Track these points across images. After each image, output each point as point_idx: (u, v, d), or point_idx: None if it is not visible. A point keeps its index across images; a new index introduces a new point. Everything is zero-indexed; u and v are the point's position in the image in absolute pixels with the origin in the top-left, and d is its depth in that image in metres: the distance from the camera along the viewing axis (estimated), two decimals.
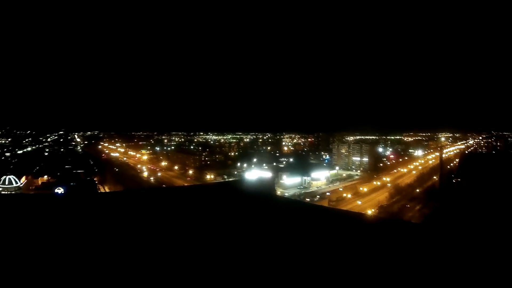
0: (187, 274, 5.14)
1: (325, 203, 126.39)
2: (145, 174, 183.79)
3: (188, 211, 8.56)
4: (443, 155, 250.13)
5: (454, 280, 4.67)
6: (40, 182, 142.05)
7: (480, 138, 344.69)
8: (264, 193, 10.17)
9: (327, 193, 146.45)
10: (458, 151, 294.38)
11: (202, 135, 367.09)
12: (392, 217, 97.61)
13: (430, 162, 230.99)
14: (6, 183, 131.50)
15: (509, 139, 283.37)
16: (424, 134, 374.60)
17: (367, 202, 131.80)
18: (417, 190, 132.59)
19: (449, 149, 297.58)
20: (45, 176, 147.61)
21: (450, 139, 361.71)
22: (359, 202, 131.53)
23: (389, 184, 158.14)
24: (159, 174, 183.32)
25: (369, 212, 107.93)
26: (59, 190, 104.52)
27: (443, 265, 5.28)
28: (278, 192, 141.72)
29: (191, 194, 10.62)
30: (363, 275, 5.03)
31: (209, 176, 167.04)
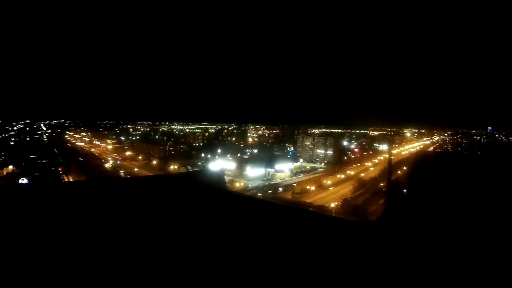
0: (135, 258, 6.48)
1: (288, 195, 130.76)
2: (110, 164, 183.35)
3: (145, 201, 9.88)
4: (405, 152, 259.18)
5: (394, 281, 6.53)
6: (5, 173, 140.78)
7: (446, 134, 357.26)
8: (214, 186, 12.33)
9: (290, 186, 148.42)
10: (422, 146, 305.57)
11: (168, 124, 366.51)
12: (353, 210, 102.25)
13: (393, 157, 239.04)
14: None
15: (475, 137, 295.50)
16: (389, 129, 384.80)
17: (331, 195, 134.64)
18: (381, 184, 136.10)
19: (413, 145, 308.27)
20: (10, 167, 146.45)
21: (416, 134, 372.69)
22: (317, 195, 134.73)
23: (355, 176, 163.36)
24: (123, 164, 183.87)
25: (333, 205, 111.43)
26: (23, 181, 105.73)
27: (381, 265, 6.60)
28: (242, 183, 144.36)
29: (150, 185, 12.41)
30: (295, 268, 6.79)
31: (173, 167, 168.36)
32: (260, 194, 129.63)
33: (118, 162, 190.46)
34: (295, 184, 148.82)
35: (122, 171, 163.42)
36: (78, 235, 7.20)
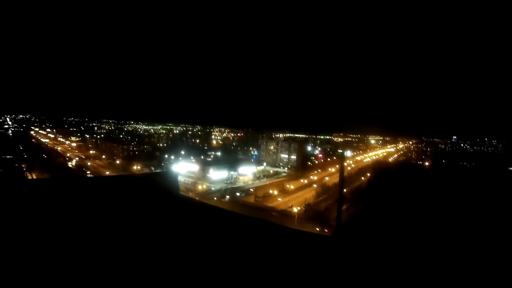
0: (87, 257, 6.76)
1: (251, 199, 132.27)
2: (73, 162, 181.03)
3: (96, 202, 9.72)
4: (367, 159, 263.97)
5: None
6: None
7: (410, 143, 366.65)
8: (166, 190, 12.51)
9: (253, 189, 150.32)
10: (385, 154, 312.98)
11: (133, 124, 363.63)
12: (316, 215, 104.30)
13: (358, 163, 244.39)
14: None
15: (440, 146, 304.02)
16: (354, 135, 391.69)
17: (294, 199, 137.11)
18: (344, 190, 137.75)
19: (377, 152, 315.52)
20: None
21: (380, 142, 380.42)
22: (279, 199, 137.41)
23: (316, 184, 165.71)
24: (86, 162, 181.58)
25: (295, 209, 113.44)
26: None
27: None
28: (204, 186, 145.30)
29: (107, 186, 12.43)
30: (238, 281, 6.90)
31: (136, 167, 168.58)
32: (227, 197, 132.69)
33: (82, 160, 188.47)
34: (252, 190, 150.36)
35: (84, 170, 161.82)
36: (31, 233, 7.62)
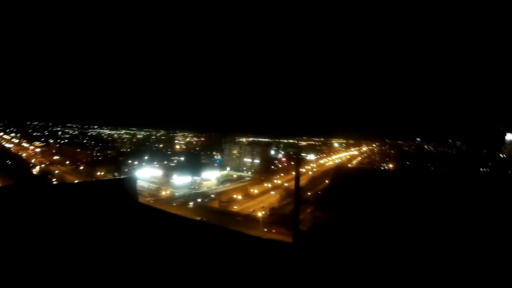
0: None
1: (215, 204, 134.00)
2: (37, 168, 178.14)
3: (52, 210, 9.61)
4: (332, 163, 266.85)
5: None
6: None
7: (374, 145, 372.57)
8: (124, 197, 11.70)
9: (218, 194, 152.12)
10: (349, 156, 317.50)
11: (96, 128, 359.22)
12: (281, 219, 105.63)
13: (324, 166, 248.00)
14: None
15: (404, 148, 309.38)
16: (317, 139, 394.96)
17: (259, 203, 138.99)
18: (309, 193, 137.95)
19: (341, 155, 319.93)
20: None
21: (344, 145, 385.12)
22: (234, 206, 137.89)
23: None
24: (51, 168, 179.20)
25: (260, 214, 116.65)
26: None
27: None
28: (168, 192, 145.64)
29: (64, 193, 11.26)
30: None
31: (100, 173, 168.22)
32: (191, 204, 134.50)
33: (46, 166, 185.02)
34: (214, 194, 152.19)
35: (49, 176, 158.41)
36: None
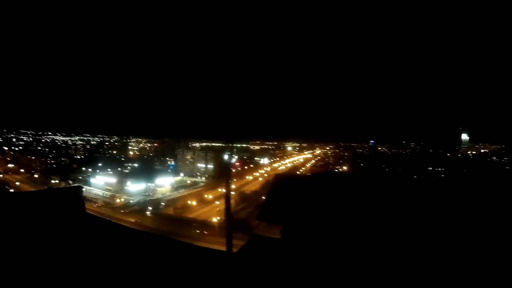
0: None
1: (170, 211, 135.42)
2: None
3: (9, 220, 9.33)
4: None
5: None
6: None
7: (328, 148, 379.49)
8: (70, 207, 11.11)
9: (172, 201, 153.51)
10: (302, 160, 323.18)
11: (50, 135, 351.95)
12: (236, 224, 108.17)
13: (277, 170, 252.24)
14: None
15: (357, 150, 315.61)
16: (270, 143, 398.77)
17: (213, 209, 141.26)
18: (263, 198, 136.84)
19: (294, 158, 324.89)
20: None
21: (297, 148, 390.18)
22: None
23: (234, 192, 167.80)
24: (5, 177, 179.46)
25: (215, 219, 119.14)
26: None
27: None
28: (122, 199, 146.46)
29: (11, 204, 10.84)
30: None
31: (54, 181, 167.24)
32: (147, 212, 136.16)
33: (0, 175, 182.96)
34: (171, 201, 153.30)
35: (7, 187, 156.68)
36: None
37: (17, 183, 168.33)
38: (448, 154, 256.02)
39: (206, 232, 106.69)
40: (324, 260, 6.90)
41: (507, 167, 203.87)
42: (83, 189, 13.38)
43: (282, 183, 10.09)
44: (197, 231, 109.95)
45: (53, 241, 8.53)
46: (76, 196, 12.53)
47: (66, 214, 10.63)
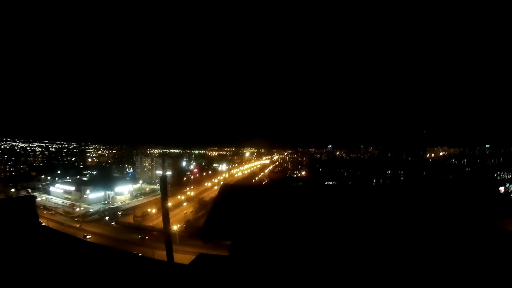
0: None
1: (130, 219, 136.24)
2: None
3: None
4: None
5: None
6: None
7: (286, 153, 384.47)
8: (21, 218, 11.21)
9: (132, 209, 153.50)
10: (260, 166, 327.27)
11: (9, 141, 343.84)
12: (197, 232, 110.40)
13: (234, 176, 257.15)
14: None
15: (316, 155, 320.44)
16: (228, 149, 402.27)
17: (173, 217, 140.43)
18: None
19: (252, 164, 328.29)
20: None
21: (255, 154, 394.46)
22: None
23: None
24: None
25: (175, 227, 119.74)
26: None
27: None
28: (82, 208, 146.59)
29: None
30: None
31: (13, 190, 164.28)
32: (106, 219, 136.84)
33: None
34: (130, 210, 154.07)
35: None
36: None
37: None
38: (409, 158, 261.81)
39: (147, 237, 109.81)
40: (275, 278, 6.71)
41: (467, 169, 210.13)
42: (36, 199, 13.79)
43: (227, 196, 9.46)
44: (139, 236, 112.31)
45: (1, 251, 8.83)
46: (29, 206, 12.49)
47: (17, 225, 10.70)
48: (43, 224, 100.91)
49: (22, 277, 7.99)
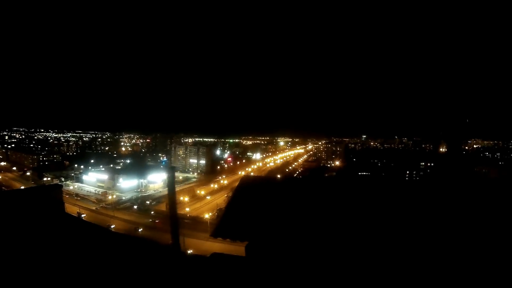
0: None
1: (162, 207, 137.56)
2: None
3: None
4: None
5: None
6: None
7: (320, 143, 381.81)
8: (47, 207, 10.84)
9: (164, 197, 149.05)
10: (294, 155, 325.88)
11: (43, 132, 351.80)
12: None
13: (268, 165, 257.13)
14: None
15: (350, 145, 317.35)
16: (263, 138, 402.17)
17: (205, 205, 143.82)
18: None
19: (286, 154, 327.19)
20: None
21: (289, 143, 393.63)
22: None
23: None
24: None
25: (207, 215, 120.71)
26: None
27: None
28: (115, 196, 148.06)
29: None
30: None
31: (46, 178, 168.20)
32: (135, 207, 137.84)
33: None
34: (163, 198, 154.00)
35: None
36: None
37: (10, 182, 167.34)
38: (448, 149, 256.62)
39: (157, 221, 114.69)
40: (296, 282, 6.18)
41: (500, 163, 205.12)
42: (63, 188, 13.13)
43: (247, 190, 8.32)
44: (150, 220, 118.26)
45: (26, 242, 8.74)
46: (55, 195, 11.97)
47: (42, 214, 10.53)
48: (74, 213, 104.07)
49: (39, 266, 7.61)
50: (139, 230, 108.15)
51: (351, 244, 6.05)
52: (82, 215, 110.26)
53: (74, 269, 7.67)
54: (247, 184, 8.64)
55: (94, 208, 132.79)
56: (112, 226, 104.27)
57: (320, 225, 6.62)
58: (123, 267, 8.17)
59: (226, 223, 7.19)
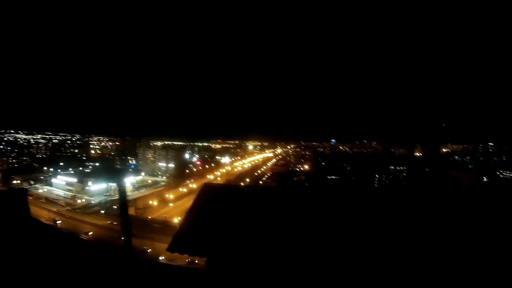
0: None
1: (132, 211, 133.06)
2: None
3: None
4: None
5: None
6: None
7: (289, 147, 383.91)
8: (10, 212, 11.03)
9: (134, 201, 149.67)
10: (262, 159, 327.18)
11: (12, 133, 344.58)
12: None
13: (237, 169, 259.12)
14: None
15: (319, 149, 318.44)
16: (232, 141, 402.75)
17: (175, 209, 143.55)
18: None
19: (254, 158, 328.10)
20: None
21: (258, 147, 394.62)
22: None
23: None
24: None
25: (176, 220, 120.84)
26: None
27: None
28: (84, 200, 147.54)
29: None
30: None
31: (16, 181, 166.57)
32: (103, 211, 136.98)
33: None
34: (132, 201, 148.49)
35: None
36: None
37: None
38: (424, 153, 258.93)
39: (115, 223, 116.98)
40: None
41: (470, 166, 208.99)
42: (27, 192, 13.10)
43: (208, 200, 8.42)
44: (108, 222, 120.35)
45: None
46: (20, 200, 12.13)
47: (6, 219, 10.44)
48: (44, 217, 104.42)
49: (6, 270, 8.14)
50: (89, 233, 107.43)
51: (318, 259, 6.27)
52: (58, 221, 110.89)
53: (18, 270, 8.26)
54: (208, 193, 9.02)
55: (62, 212, 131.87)
56: (90, 233, 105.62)
57: (282, 238, 6.75)
58: (65, 268, 8.88)
59: (184, 236, 7.20)
